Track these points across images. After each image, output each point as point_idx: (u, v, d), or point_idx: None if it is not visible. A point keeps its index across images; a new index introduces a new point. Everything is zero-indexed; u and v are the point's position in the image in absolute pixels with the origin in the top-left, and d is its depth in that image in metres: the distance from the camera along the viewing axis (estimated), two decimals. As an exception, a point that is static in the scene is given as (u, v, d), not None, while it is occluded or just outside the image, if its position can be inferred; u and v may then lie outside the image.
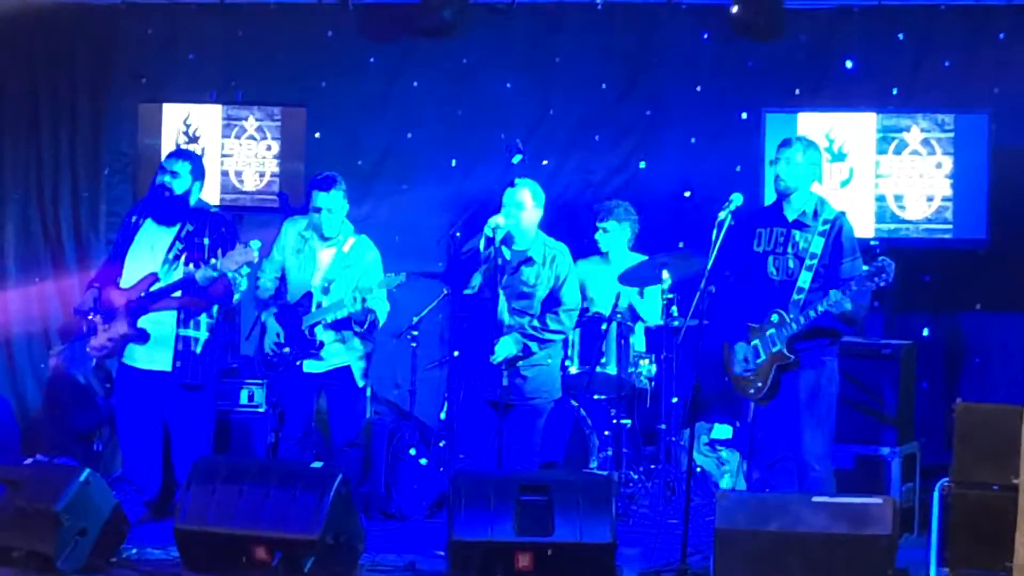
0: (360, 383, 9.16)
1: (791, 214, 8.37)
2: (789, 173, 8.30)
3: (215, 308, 8.99)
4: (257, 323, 9.41)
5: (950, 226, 9.93)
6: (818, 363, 8.32)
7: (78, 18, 10.91)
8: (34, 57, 11.08)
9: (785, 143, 8.41)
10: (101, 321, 8.95)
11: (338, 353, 9.09)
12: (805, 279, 8.24)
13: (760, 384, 8.37)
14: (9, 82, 11.08)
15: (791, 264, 8.31)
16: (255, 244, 8.66)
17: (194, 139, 10.54)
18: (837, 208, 8.47)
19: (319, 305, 8.99)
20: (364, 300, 8.87)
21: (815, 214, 8.32)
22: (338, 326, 9.00)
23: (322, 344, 9.00)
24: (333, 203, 9.03)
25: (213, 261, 8.73)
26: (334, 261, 9.08)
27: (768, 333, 8.29)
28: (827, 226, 8.27)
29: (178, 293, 8.81)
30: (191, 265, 8.78)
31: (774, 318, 8.27)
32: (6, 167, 11.11)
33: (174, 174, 8.94)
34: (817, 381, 8.32)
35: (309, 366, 9.07)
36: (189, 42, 11.10)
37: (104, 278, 9.05)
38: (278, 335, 9.08)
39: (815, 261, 8.23)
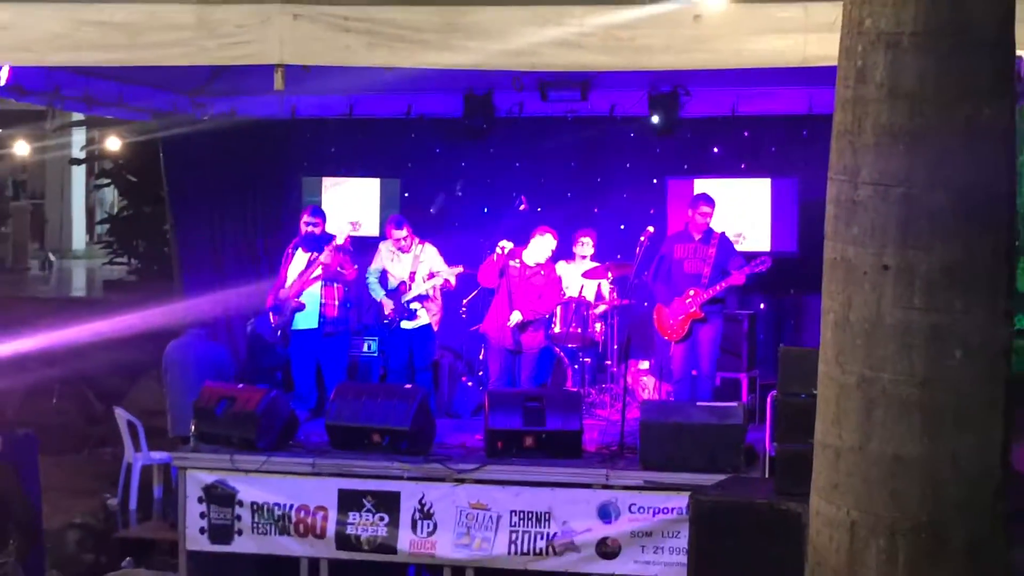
0: (434, 329, 9.18)
1: (696, 235, 8.55)
2: (707, 221, 8.61)
3: (342, 288, 9.09)
4: (373, 303, 9.54)
5: (769, 245, 9.97)
6: (716, 320, 8.58)
7: (267, 129, 10.89)
8: (242, 154, 11.04)
9: (705, 202, 8.51)
10: (278, 309, 9.03)
11: (423, 317, 9.11)
12: (706, 271, 8.52)
13: (680, 332, 8.52)
14: (229, 171, 11.00)
15: (698, 264, 8.39)
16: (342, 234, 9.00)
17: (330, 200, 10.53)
18: (720, 230, 8.74)
19: (409, 288, 9.04)
20: (434, 285, 9.00)
21: (709, 233, 8.47)
22: (420, 299, 9.07)
23: (414, 311, 9.05)
24: (404, 233, 9.04)
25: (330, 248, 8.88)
26: (412, 261, 9.13)
27: (687, 301, 8.37)
28: (715, 239, 8.43)
29: (318, 271, 8.94)
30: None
31: (691, 292, 8.48)
32: (227, 219, 11.07)
33: (315, 224, 9.13)
34: (714, 331, 8.55)
35: (405, 324, 9.10)
36: (331, 140, 11.08)
37: (276, 287, 9.19)
38: (389, 306, 9.13)
39: (710, 261, 8.53)
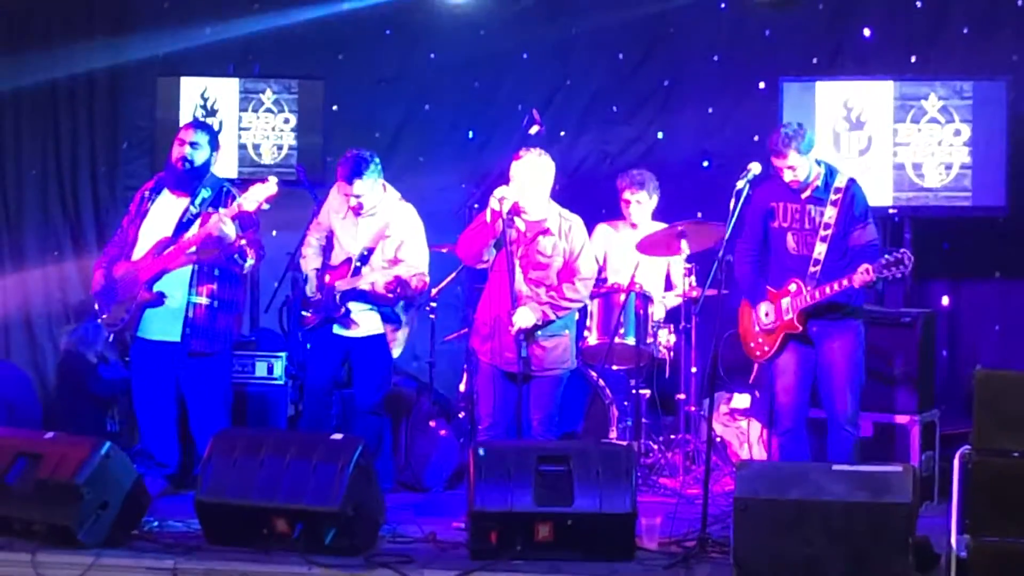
0: (393, 351, 9.16)
1: (804, 192, 8.49)
2: (797, 174, 8.42)
3: (220, 280, 9.01)
4: (275, 296, 9.43)
5: (969, 194, 9.92)
6: (846, 329, 8.47)
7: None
8: (51, 31, 11.06)
9: (776, 152, 8.41)
10: (112, 299, 8.97)
11: (370, 322, 9.11)
12: (820, 251, 8.40)
13: (767, 348, 8.55)
14: (27, 57, 11.06)
15: (807, 238, 8.46)
16: (273, 179, 8.72)
17: (212, 112, 10.56)
18: (848, 175, 8.55)
19: (356, 270, 8.98)
20: (396, 283, 8.87)
21: (826, 186, 8.46)
22: (371, 300, 9.03)
23: (348, 311, 8.97)
24: (367, 188, 8.96)
25: (236, 203, 8.74)
26: (375, 232, 9.05)
27: (783, 301, 8.41)
28: (839, 195, 8.42)
29: (192, 249, 8.82)
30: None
31: (792, 288, 8.41)
32: (24, 142, 11.10)
33: (194, 144, 8.97)
34: (846, 346, 8.47)
35: (338, 329, 9.10)
36: (206, 15, 11.09)
37: (111, 256, 9.07)
38: (312, 289, 9.12)
39: (829, 231, 8.39)
